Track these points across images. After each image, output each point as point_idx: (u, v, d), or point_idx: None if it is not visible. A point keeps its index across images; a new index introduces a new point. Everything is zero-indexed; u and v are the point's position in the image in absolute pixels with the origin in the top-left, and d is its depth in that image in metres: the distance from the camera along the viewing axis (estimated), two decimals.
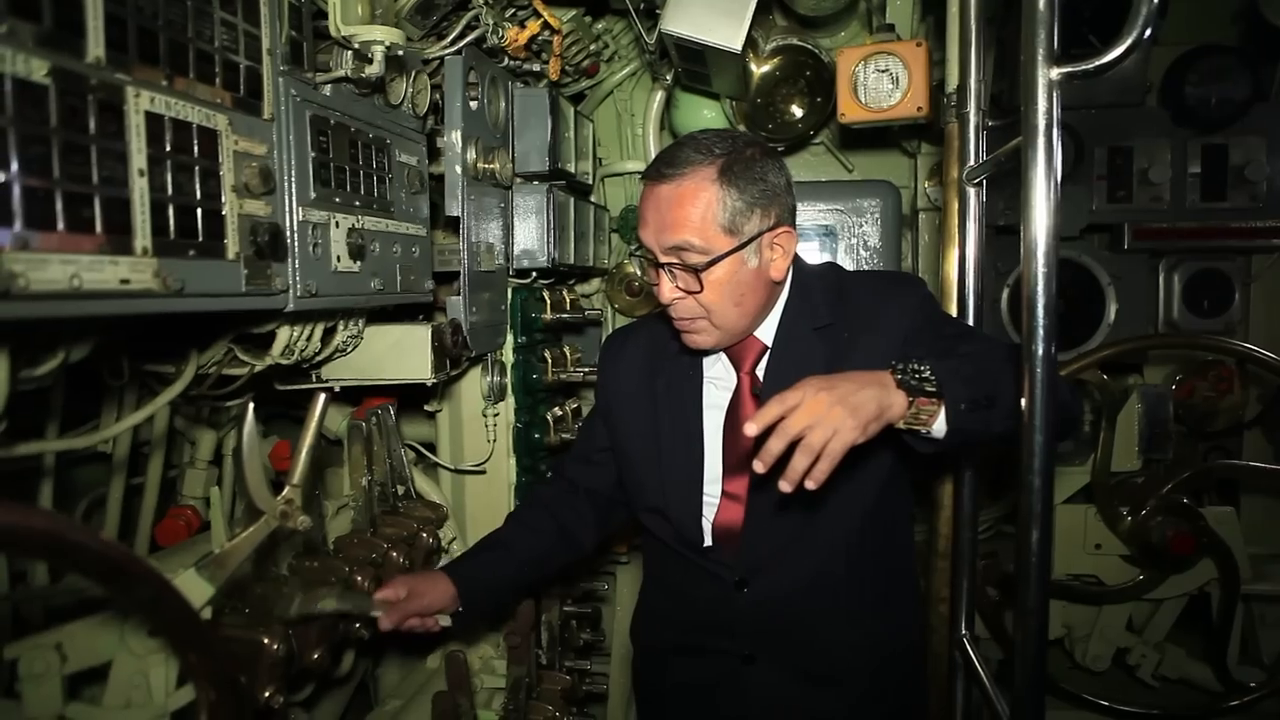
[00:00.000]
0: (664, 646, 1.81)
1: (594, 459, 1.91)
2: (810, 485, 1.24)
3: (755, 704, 1.67)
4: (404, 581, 1.68)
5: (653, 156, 2.92)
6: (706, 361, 1.73)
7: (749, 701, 1.67)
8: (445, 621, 1.72)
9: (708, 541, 1.67)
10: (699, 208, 1.49)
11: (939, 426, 1.34)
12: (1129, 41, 1.23)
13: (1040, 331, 1.24)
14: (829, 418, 1.24)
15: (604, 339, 1.96)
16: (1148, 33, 1.21)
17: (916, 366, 1.33)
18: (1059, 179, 1.24)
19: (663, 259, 1.53)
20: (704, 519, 1.67)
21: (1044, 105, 1.24)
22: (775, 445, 1.25)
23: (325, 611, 1.55)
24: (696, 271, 1.50)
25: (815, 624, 1.65)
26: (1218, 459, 3.24)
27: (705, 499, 1.68)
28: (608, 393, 1.87)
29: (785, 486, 1.24)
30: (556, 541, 1.87)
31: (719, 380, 1.70)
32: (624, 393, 1.81)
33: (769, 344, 1.65)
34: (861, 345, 1.58)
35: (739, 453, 1.63)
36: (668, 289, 1.54)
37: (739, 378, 1.67)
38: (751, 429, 1.26)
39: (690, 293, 1.53)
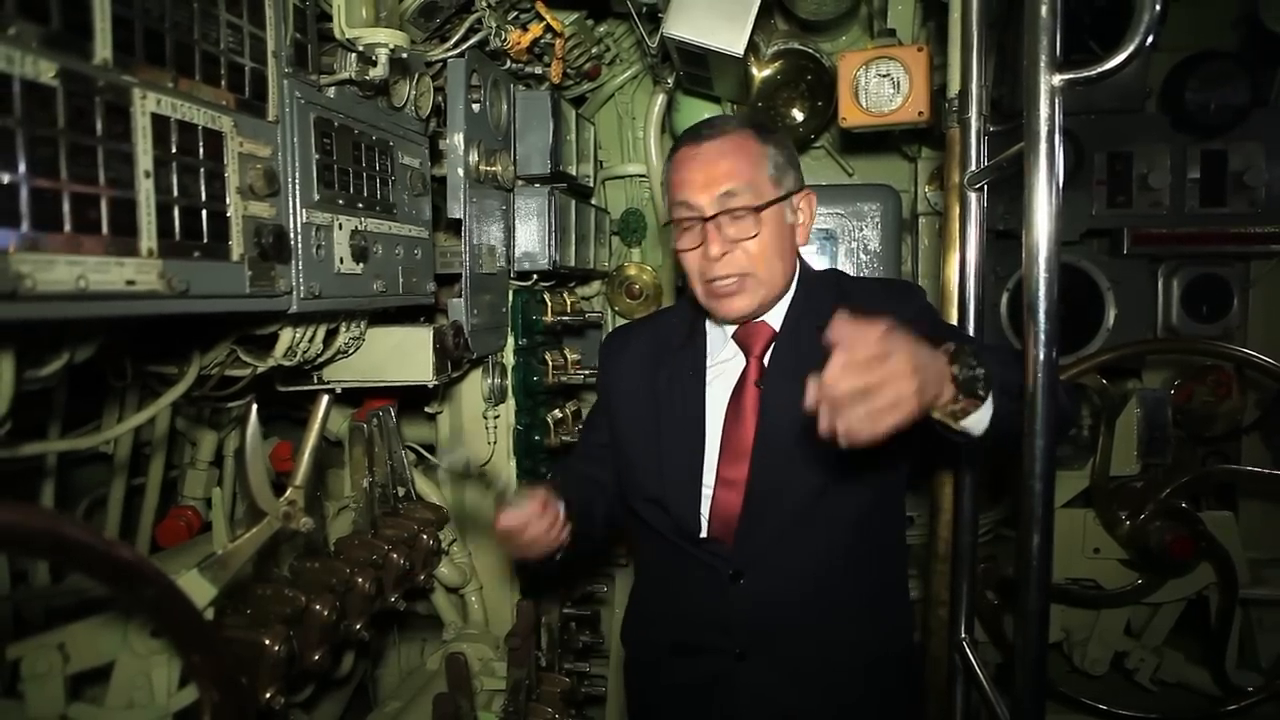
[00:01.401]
0: (657, 647, 1.80)
1: (594, 454, 1.91)
2: (842, 442, 1.10)
3: (747, 702, 1.67)
4: (537, 497, 1.56)
5: (654, 159, 2.94)
6: (711, 350, 1.75)
7: (740, 700, 1.67)
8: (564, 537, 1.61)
9: (704, 533, 1.67)
10: (748, 157, 1.60)
11: (979, 421, 1.28)
12: (1131, 48, 1.23)
13: (1042, 336, 1.24)
14: (904, 389, 1.10)
15: (604, 337, 1.96)
16: (1150, 39, 1.22)
17: (973, 363, 1.24)
18: (1061, 185, 1.24)
19: (713, 211, 1.57)
20: (701, 512, 1.68)
21: (1046, 111, 1.24)
22: (845, 384, 1.08)
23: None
24: (757, 211, 1.57)
25: (808, 622, 1.66)
26: (1216, 463, 3.24)
27: (703, 489, 1.68)
28: (610, 390, 1.88)
29: (825, 426, 1.11)
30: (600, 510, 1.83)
31: (723, 369, 1.72)
32: (625, 389, 1.82)
33: (777, 330, 1.69)
34: None
35: (739, 440, 1.65)
36: (718, 243, 1.57)
37: (748, 362, 1.68)
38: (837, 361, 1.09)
39: (743, 240, 1.57)
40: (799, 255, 1.75)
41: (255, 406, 1.36)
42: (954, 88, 1.98)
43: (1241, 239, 3.01)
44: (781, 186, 1.63)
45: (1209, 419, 3.17)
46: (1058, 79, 1.24)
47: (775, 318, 1.70)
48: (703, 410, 1.70)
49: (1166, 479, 2.83)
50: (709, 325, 1.77)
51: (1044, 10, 1.24)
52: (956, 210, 1.96)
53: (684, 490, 1.68)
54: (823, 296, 1.68)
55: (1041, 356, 1.25)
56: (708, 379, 1.72)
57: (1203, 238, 3.03)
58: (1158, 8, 1.21)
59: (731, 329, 1.72)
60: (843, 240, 2.91)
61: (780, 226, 1.62)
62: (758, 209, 1.58)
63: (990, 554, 2.95)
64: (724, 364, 1.72)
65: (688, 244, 1.62)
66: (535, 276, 2.43)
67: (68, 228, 0.92)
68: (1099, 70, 1.26)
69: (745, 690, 1.67)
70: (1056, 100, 1.24)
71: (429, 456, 2.39)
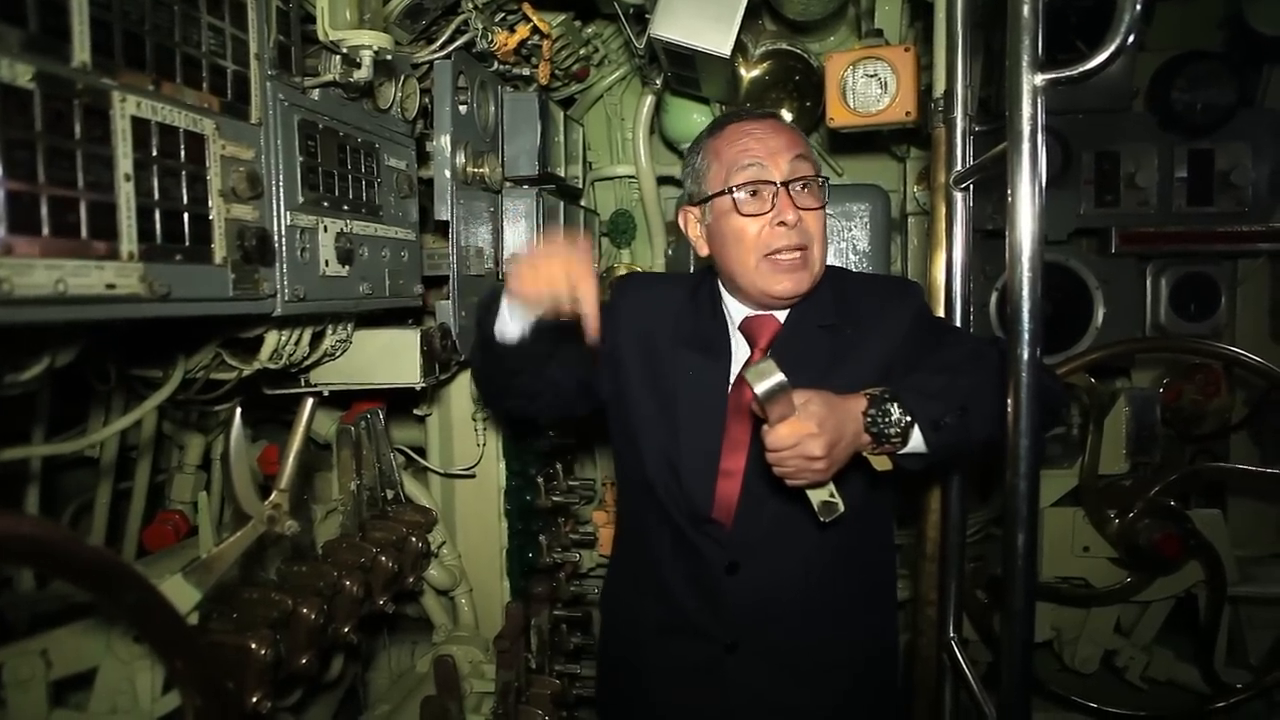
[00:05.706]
0: (644, 623, 1.79)
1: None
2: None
3: (736, 694, 1.67)
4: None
5: (643, 161, 2.94)
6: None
7: (730, 690, 1.67)
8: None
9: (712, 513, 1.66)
10: (802, 135, 1.64)
11: (916, 444, 1.42)
12: (1112, 48, 1.24)
13: (1025, 335, 1.25)
14: (808, 469, 1.37)
15: (619, 280, 1.90)
16: (1131, 39, 1.22)
17: (884, 410, 1.40)
18: (1044, 184, 1.25)
19: (785, 177, 1.57)
20: (712, 494, 1.66)
21: (1028, 111, 1.25)
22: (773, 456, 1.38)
23: None
24: (822, 182, 1.61)
25: (800, 617, 1.66)
26: (1205, 462, 3.24)
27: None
28: (623, 324, 1.77)
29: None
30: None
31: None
32: (643, 331, 1.75)
33: (783, 323, 1.69)
34: (860, 347, 1.63)
35: (738, 430, 1.64)
36: (792, 210, 1.56)
37: (752, 354, 1.68)
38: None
39: (811, 209, 1.58)
40: None
41: (239, 410, 1.35)
42: (940, 88, 1.99)
43: (1228, 238, 3.03)
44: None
45: (1197, 417, 3.18)
46: (1040, 79, 1.24)
47: (782, 311, 1.69)
48: (725, 393, 1.68)
49: (1155, 477, 2.84)
50: (726, 312, 1.74)
51: (1025, 10, 1.25)
52: (943, 210, 1.97)
53: (699, 469, 1.66)
54: (827, 295, 1.69)
55: (1026, 355, 1.25)
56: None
57: (1190, 237, 3.05)
58: (1138, 8, 1.21)
59: (739, 319, 1.70)
60: (832, 240, 2.91)
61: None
62: (823, 180, 1.61)
63: (980, 553, 2.96)
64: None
65: (753, 209, 1.58)
66: None
67: (46, 231, 0.91)
68: (1081, 70, 1.26)
69: (735, 681, 1.67)
70: (1039, 100, 1.25)
71: (417, 459, 2.38)
